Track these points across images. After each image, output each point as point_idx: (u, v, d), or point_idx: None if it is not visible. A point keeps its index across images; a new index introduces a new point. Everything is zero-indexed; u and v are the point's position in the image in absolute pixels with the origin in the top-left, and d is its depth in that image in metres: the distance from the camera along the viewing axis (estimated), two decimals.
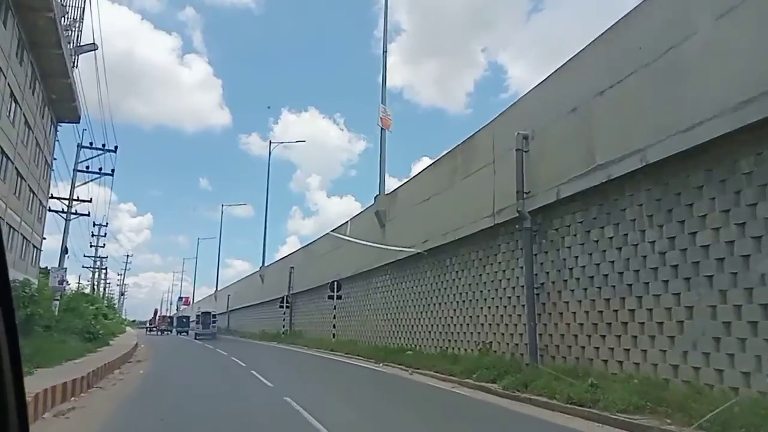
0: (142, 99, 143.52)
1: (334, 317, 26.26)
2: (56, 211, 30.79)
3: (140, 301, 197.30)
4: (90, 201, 30.54)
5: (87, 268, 48.45)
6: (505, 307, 13.36)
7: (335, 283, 25.68)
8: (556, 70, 11.74)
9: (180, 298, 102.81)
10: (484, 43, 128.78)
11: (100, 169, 30.09)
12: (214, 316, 48.29)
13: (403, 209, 20.09)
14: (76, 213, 29.69)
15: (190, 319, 58.67)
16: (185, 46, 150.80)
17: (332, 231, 29.78)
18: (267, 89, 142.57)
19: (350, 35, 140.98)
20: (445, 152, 17.12)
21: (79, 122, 34.54)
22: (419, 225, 18.20)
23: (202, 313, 49.54)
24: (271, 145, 48.87)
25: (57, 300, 24.74)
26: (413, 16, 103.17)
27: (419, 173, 19.07)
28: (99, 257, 46.84)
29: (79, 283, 64.11)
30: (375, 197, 22.50)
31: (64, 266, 27.30)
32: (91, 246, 45.92)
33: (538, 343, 11.59)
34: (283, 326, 36.01)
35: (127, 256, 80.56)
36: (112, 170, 30.31)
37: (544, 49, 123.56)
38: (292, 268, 36.36)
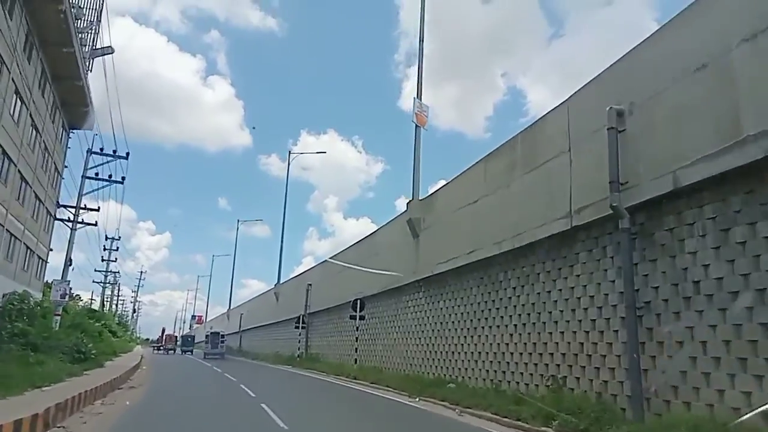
0: (166, 119, 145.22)
1: (356, 340, 23.42)
2: (62, 220, 28.93)
3: (156, 319, 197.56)
4: (98, 210, 29.11)
5: (98, 283, 46.41)
6: (587, 332, 10.40)
7: (358, 301, 22.90)
8: (669, 21, 8.99)
9: (193, 317, 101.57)
10: (503, 67, 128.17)
11: (110, 176, 28.05)
12: (223, 336, 48.56)
13: (443, 215, 17.27)
14: (82, 222, 28.05)
15: (197, 340, 62.92)
16: (209, 68, 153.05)
17: (356, 243, 27.13)
18: (287, 111, 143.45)
19: (370, 59, 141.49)
20: (500, 145, 14.37)
21: (91, 129, 32.77)
22: (463, 233, 15.39)
23: (211, 333, 49.96)
24: (290, 155, 47.02)
25: (58, 315, 23.23)
26: (433, 40, 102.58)
27: (463, 172, 16.26)
28: (110, 272, 44.93)
29: (92, 299, 62.39)
30: (408, 203, 19.75)
31: (68, 279, 25.77)
32: (102, 260, 44.03)
33: (643, 383, 8.64)
34: (299, 348, 33.06)
35: (141, 272, 79.80)
36: (123, 178, 28.54)
37: (564, 75, 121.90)
38: (310, 285, 33.58)
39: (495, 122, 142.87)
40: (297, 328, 33.08)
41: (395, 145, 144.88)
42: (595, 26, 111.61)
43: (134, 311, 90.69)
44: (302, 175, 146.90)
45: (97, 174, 27.45)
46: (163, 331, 71.45)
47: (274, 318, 42.57)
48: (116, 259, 46.57)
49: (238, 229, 60.38)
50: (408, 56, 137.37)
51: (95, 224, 28.88)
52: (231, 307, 65.70)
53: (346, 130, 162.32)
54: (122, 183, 28.25)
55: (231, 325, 60.18)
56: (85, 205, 27.69)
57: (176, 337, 68.19)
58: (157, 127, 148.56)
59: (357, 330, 23.16)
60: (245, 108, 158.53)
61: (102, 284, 48.62)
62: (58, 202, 30.63)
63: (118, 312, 73.75)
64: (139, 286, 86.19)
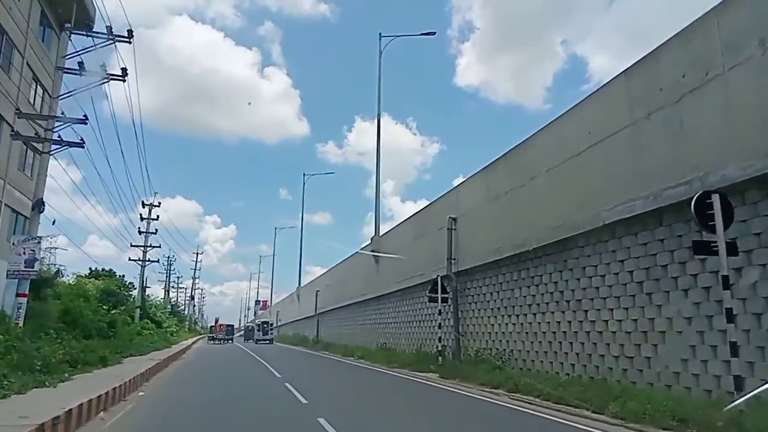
0: (226, 113, 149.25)
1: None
2: (31, 139, 18.31)
3: (226, 309, 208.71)
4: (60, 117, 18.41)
5: (134, 261, 38.69)
6: None
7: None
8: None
9: (257, 302, 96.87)
10: (562, 33, 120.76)
11: (108, 76, 18.47)
12: (271, 324, 60.61)
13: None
14: (61, 142, 17.88)
15: (236, 328, 71.39)
16: (264, 60, 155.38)
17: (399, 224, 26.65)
18: (341, 97, 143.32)
19: (419, 38, 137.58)
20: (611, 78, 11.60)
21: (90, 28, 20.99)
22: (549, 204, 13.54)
23: (261, 322, 62.89)
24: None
25: (23, 298, 14.81)
26: (487, 12, 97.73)
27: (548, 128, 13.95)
28: (149, 246, 38.96)
29: (167, 299, 60.61)
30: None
31: (37, 235, 17.27)
32: (140, 232, 38.28)
33: None
34: (441, 340, 18.87)
35: (197, 254, 77.38)
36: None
37: (628, 37, 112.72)
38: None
39: (555, 92, 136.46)
40: (434, 299, 18.67)
41: (450, 123, 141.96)
42: None
43: (192, 298, 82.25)
44: (358, 160, 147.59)
45: (81, 63, 18.31)
46: (216, 321, 69.76)
47: (375, 289, 28.92)
48: (156, 231, 39.23)
49: (304, 184, 54.59)
50: (461, 31, 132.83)
51: (81, 144, 18.17)
52: (300, 286, 56.11)
53: (400, 113, 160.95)
54: (124, 79, 19.01)
55: (303, 308, 51.59)
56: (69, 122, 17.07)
57: (231, 327, 67.89)
58: (217, 122, 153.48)
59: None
60: (302, 97, 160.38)
61: (140, 263, 39.04)
62: (18, 110, 17.67)
63: (173, 300, 69.31)
64: (196, 268, 78.37)
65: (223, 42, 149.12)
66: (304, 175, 54.00)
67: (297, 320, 56.47)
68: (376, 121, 32.23)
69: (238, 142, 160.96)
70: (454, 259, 18.24)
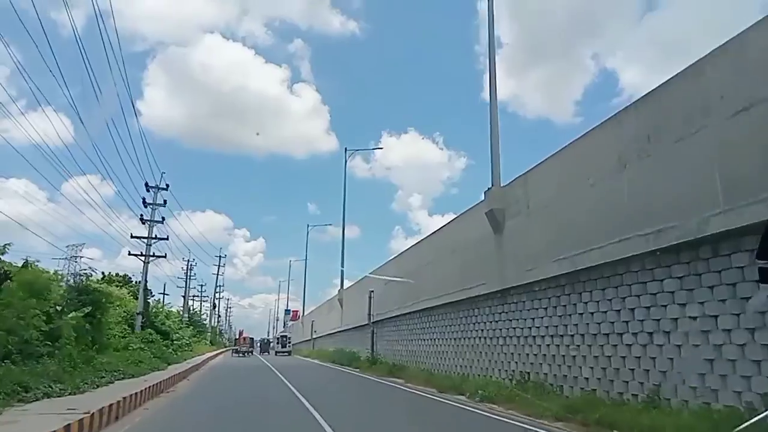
0: (255, 130, 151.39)
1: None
2: None
3: (255, 321, 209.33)
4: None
5: (136, 256, 30.05)
6: None
7: None
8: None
9: (287, 311, 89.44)
10: (591, 47, 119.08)
11: None
12: (289, 338, 64.56)
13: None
14: None
15: (295, 340, 68.37)
16: (294, 76, 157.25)
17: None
18: (369, 112, 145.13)
19: (449, 53, 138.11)
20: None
21: None
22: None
23: (281, 335, 67.72)
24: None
25: None
26: (515, 26, 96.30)
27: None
28: (155, 239, 30.58)
29: (184, 307, 53.90)
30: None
31: None
32: (142, 221, 30.15)
33: None
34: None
35: (219, 257, 71.37)
36: None
37: (660, 49, 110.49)
38: None
39: (585, 106, 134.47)
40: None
41: (477, 138, 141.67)
42: None
43: (214, 306, 75.89)
44: (386, 175, 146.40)
45: None
46: (240, 333, 68.19)
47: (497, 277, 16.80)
48: (163, 219, 31.26)
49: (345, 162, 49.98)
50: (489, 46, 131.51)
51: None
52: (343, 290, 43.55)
53: (427, 128, 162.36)
54: None
55: (350, 315, 38.50)
56: None
57: (252, 339, 66.79)
58: (247, 138, 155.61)
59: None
60: (330, 113, 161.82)
61: (143, 258, 30.54)
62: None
63: (194, 309, 64.15)
64: (218, 272, 72.30)
65: (254, 59, 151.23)
66: (345, 150, 47.39)
67: (340, 331, 42.83)
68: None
69: (267, 158, 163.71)
70: None
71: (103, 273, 38.77)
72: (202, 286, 70.60)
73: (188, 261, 59.60)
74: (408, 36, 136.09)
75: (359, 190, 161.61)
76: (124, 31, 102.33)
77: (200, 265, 68.90)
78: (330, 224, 63.62)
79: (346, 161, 44.22)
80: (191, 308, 63.14)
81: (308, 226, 68.09)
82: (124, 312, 27.47)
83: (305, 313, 70.69)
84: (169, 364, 24.14)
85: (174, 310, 48.27)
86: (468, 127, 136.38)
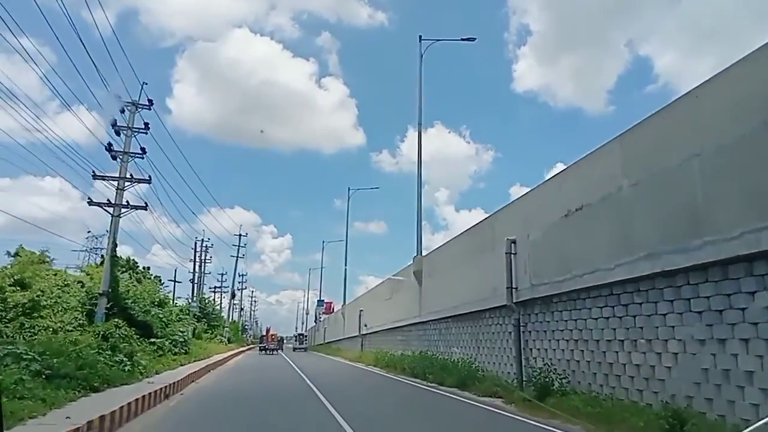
0: (284, 124, 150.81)
1: None
2: None
3: (281, 318, 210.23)
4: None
5: (97, 205, 20.14)
6: None
7: None
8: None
9: (320, 302, 79.63)
10: (625, 34, 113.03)
11: None
12: (306, 336, 72.41)
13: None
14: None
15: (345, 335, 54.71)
16: (321, 70, 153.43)
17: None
18: (396, 106, 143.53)
19: (475, 43, 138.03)
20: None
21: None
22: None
23: (299, 334, 74.09)
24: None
25: None
26: (544, 15, 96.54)
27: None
28: (133, 207, 20.53)
29: (194, 295, 47.19)
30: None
31: None
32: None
33: None
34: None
35: (240, 236, 60.55)
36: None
37: (695, 34, 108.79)
38: None
39: (617, 95, 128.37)
40: None
41: (505, 130, 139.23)
42: None
43: (233, 296, 62.85)
44: (412, 169, 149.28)
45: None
46: (267, 330, 64.83)
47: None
48: (144, 150, 20.73)
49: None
50: (518, 35, 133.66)
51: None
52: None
53: (453, 121, 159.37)
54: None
55: (437, 296, 23.26)
56: None
57: (280, 337, 62.93)
58: (275, 133, 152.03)
59: None
60: (358, 107, 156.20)
61: (108, 209, 19.82)
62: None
63: (206, 303, 51.35)
64: (237, 256, 60.85)
65: (281, 53, 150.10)
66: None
67: (413, 324, 27.10)
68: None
69: (295, 153, 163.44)
70: None
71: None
72: (222, 275, 61.40)
73: (202, 240, 52.08)
74: (436, 28, 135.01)
75: (386, 185, 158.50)
76: (151, 27, 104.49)
77: (225, 262, 68.96)
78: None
79: (422, 55, 29.79)
80: (206, 299, 53.06)
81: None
82: (85, 293, 19.82)
83: (346, 303, 52.81)
84: (108, 386, 12.11)
85: (181, 303, 40.86)
86: (495, 119, 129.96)
